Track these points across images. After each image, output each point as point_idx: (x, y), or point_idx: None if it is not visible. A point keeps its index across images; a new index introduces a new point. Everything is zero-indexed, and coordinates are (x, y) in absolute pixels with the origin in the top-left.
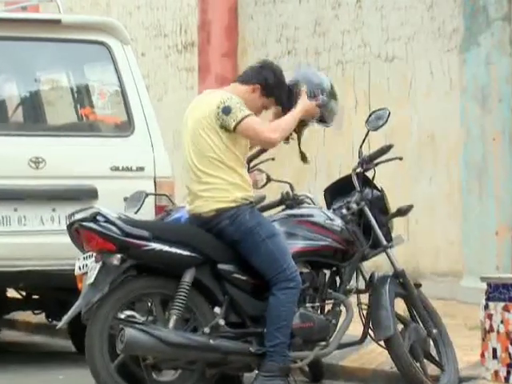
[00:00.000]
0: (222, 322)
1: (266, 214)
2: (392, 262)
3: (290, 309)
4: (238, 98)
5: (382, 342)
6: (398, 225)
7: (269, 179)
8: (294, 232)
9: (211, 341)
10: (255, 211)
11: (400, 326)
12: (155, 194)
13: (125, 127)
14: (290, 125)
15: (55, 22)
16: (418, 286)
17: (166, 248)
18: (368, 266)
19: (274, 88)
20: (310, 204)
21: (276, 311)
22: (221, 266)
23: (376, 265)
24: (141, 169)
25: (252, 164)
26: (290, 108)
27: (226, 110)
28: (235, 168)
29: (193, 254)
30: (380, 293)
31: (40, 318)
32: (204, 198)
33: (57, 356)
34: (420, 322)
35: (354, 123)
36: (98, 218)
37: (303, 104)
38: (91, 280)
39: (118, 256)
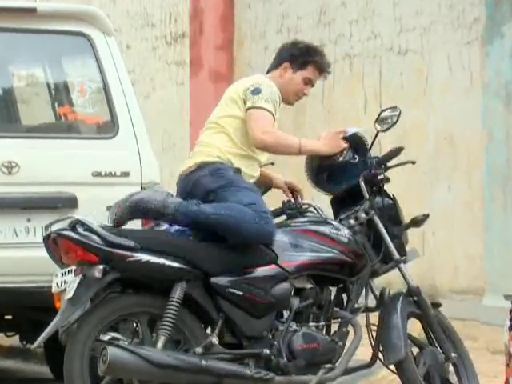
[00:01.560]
0: (215, 340)
1: None
2: (405, 278)
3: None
4: (277, 93)
5: (392, 367)
6: (412, 237)
7: (270, 186)
8: (297, 243)
9: (204, 362)
10: (239, 174)
11: (415, 350)
12: None
13: (108, 128)
14: (289, 144)
15: (30, 11)
16: (436, 305)
17: (153, 259)
18: (379, 282)
19: (303, 56)
20: (314, 213)
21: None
22: (214, 280)
23: (388, 281)
24: (126, 174)
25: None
26: (329, 70)
27: (256, 91)
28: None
29: (183, 266)
30: (391, 312)
31: (13, 340)
32: (193, 155)
33: (32, 383)
34: (437, 346)
35: (364, 124)
36: (78, 226)
37: (322, 139)
38: (70, 295)
39: (100, 267)
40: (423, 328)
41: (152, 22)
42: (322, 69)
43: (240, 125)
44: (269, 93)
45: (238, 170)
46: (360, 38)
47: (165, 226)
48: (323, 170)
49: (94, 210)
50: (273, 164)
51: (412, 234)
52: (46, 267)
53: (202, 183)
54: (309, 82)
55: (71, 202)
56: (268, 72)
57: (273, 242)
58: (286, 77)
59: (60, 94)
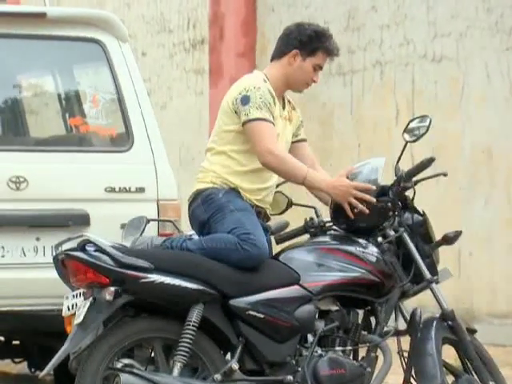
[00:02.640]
0: (235, 367)
1: (288, 243)
2: (439, 301)
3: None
4: (268, 92)
5: None
6: (447, 257)
7: (291, 204)
8: (322, 262)
9: None
10: (232, 192)
11: (450, 378)
12: (158, 220)
13: (122, 140)
14: (293, 173)
15: (40, 16)
16: (472, 331)
17: (168, 280)
18: (409, 304)
19: (313, 42)
20: (338, 231)
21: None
22: (233, 302)
23: (419, 304)
24: (141, 190)
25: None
26: (338, 53)
27: (244, 101)
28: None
29: (200, 288)
30: (425, 337)
31: (21, 367)
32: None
33: None
34: (474, 374)
35: (395, 136)
36: (88, 246)
37: (335, 180)
38: (80, 319)
39: (112, 289)
40: (458, 355)
41: (169, 27)
42: (332, 54)
43: (236, 138)
44: (258, 97)
45: (233, 190)
46: (391, 44)
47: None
48: (339, 208)
49: (108, 228)
50: None
51: (447, 253)
52: (56, 289)
53: (195, 215)
54: (318, 69)
55: (83, 220)
56: (272, 59)
57: (262, 261)
58: (295, 65)
59: (71, 104)
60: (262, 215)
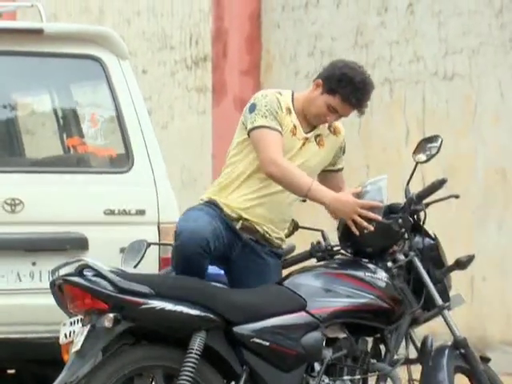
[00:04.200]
0: None
1: (294, 267)
2: (451, 328)
3: None
4: (275, 101)
5: None
6: (460, 282)
7: (297, 226)
8: (329, 288)
9: None
10: (205, 209)
11: None
12: (159, 244)
13: (121, 161)
14: (296, 185)
15: (36, 33)
16: (486, 360)
17: (169, 306)
18: (420, 332)
19: (334, 82)
20: (346, 255)
21: None
22: (237, 329)
23: (430, 331)
24: (141, 212)
25: None
26: (361, 108)
27: (251, 109)
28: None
29: (203, 314)
30: (436, 367)
31: None
32: None
33: None
34: None
35: (404, 157)
36: (86, 271)
37: (341, 195)
38: (78, 347)
39: (111, 316)
40: None
41: (170, 43)
42: (350, 103)
43: (243, 149)
44: (264, 105)
45: (207, 203)
46: (401, 61)
47: None
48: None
49: (106, 252)
50: (304, 201)
51: (460, 278)
52: (52, 316)
53: None
54: (334, 111)
55: (81, 244)
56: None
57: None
58: (313, 94)
59: (69, 123)
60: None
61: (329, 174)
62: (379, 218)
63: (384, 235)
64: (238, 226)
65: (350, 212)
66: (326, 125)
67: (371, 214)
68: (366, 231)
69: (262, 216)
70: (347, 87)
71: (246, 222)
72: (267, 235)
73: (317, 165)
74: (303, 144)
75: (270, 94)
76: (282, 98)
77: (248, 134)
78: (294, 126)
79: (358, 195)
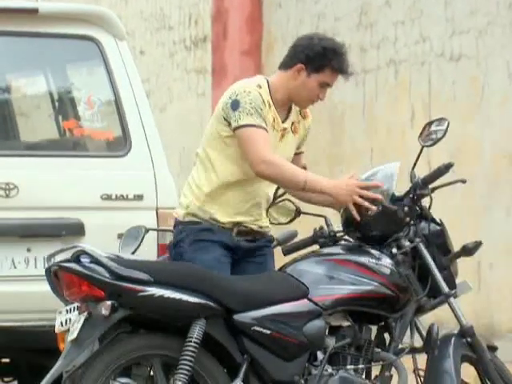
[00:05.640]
0: None
1: (297, 254)
2: (457, 316)
3: None
4: (259, 97)
5: None
6: (466, 269)
7: (299, 212)
8: (332, 275)
9: None
10: (198, 243)
11: None
12: (157, 230)
13: (119, 145)
14: (291, 180)
15: (31, 12)
16: (493, 348)
17: (167, 294)
18: (426, 320)
19: (320, 59)
20: (350, 241)
21: None
22: (238, 317)
23: (436, 319)
24: (139, 197)
25: (280, 193)
26: (349, 73)
27: (234, 106)
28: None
29: (202, 302)
30: (442, 355)
31: None
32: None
33: None
34: None
35: (410, 140)
36: (82, 258)
37: (339, 180)
38: (74, 335)
39: (108, 303)
40: (478, 374)
41: (169, 24)
42: (341, 72)
43: (224, 146)
44: (248, 102)
45: (210, 222)
46: (406, 41)
47: None
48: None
49: (103, 238)
50: None
51: (466, 265)
52: (48, 303)
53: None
54: (325, 86)
55: (77, 229)
56: (279, 68)
57: None
58: (298, 80)
59: (64, 106)
60: (246, 234)
61: (294, 157)
62: (379, 196)
63: (389, 221)
64: (234, 232)
65: (352, 193)
66: (298, 110)
67: (372, 194)
68: (371, 214)
69: (256, 213)
70: (334, 58)
71: (241, 225)
72: (261, 229)
73: (292, 152)
74: (282, 136)
75: (252, 89)
76: (262, 92)
77: (233, 131)
78: (274, 119)
79: (364, 181)
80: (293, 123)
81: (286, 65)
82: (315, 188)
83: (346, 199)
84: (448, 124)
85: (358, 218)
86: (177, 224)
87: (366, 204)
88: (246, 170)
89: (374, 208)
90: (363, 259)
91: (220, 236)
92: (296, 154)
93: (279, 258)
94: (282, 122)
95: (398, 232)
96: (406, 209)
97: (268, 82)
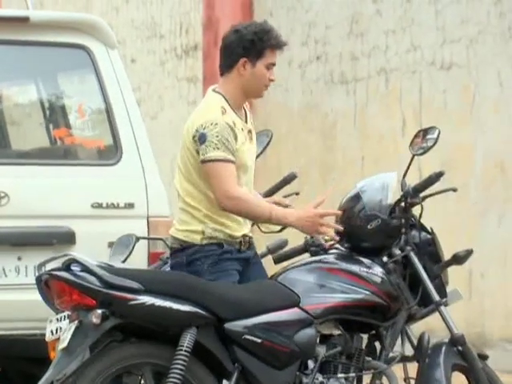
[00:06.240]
0: None
1: (287, 262)
2: (448, 325)
3: None
4: (225, 128)
5: None
6: (457, 278)
7: None
8: (323, 283)
9: None
10: (220, 264)
11: None
12: (148, 238)
13: (110, 153)
14: (256, 215)
15: (22, 20)
16: (484, 357)
17: (158, 302)
18: (417, 328)
19: (257, 44)
20: (340, 250)
21: None
22: (229, 326)
23: (427, 328)
24: (130, 206)
25: (273, 199)
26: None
27: (202, 139)
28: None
29: (193, 310)
30: (433, 364)
31: None
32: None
33: None
34: None
35: (401, 149)
36: (73, 266)
37: (302, 211)
38: (64, 344)
39: (99, 312)
40: (469, 382)
41: (160, 32)
42: (280, 46)
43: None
44: (215, 135)
45: (228, 241)
46: (397, 50)
47: None
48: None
49: (94, 247)
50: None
51: (457, 274)
52: (39, 312)
53: (173, 268)
54: (271, 67)
55: (68, 238)
56: (222, 74)
57: None
58: (246, 74)
59: (56, 114)
60: (245, 245)
61: None
62: (340, 228)
63: (387, 234)
64: (244, 247)
65: (315, 224)
66: (245, 105)
67: (333, 225)
68: (370, 227)
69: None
70: (268, 38)
71: (247, 236)
72: (252, 238)
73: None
74: (250, 138)
75: (218, 119)
76: (227, 116)
77: (201, 163)
78: (242, 129)
79: (361, 190)
80: (252, 121)
81: (227, 67)
82: (281, 222)
83: (310, 230)
84: (439, 133)
85: (336, 239)
86: (191, 246)
87: (331, 234)
88: None
89: (340, 228)
90: (354, 268)
91: (236, 253)
92: None
93: (270, 267)
94: (245, 122)
95: (393, 243)
96: (402, 221)
97: (224, 96)
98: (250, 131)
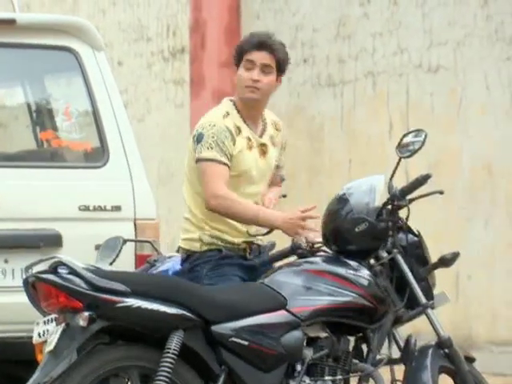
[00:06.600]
0: None
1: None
2: (435, 327)
3: None
4: (223, 130)
5: None
6: (444, 280)
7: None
8: (310, 286)
9: None
10: (219, 269)
11: None
12: (135, 241)
13: (97, 155)
14: (242, 216)
15: (9, 23)
16: (470, 359)
17: (145, 305)
18: (404, 331)
19: (237, 51)
20: (327, 252)
21: None
22: (216, 329)
23: (414, 331)
24: (117, 208)
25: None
26: None
27: (199, 139)
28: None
29: (180, 313)
30: (420, 367)
31: None
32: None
33: None
34: None
35: (388, 152)
36: (60, 269)
37: (287, 214)
38: (51, 347)
39: (86, 314)
40: None
41: (147, 35)
42: (253, 47)
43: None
44: (211, 136)
45: (227, 247)
46: (384, 53)
47: (160, 268)
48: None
49: (81, 249)
50: (285, 196)
51: (444, 276)
52: (26, 314)
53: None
54: (249, 66)
55: (55, 241)
56: None
57: None
58: (236, 79)
59: (42, 117)
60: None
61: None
62: (317, 229)
63: (374, 237)
64: (250, 255)
65: (296, 226)
66: (272, 123)
67: (311, 227)
68: (357, 230)
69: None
70: (245, 42)
71: (253, 243)
72: (261, 246)
73: (273, 165)
74: (263, 152)
75: (218, 121)
76: (229, 120)
77: (196, 162)
78: (249, 139)
79: (348, 192)
80: (271, 137)
81: None
82: (267, 224)
83: (290, 232)
84: (425, 135)
85: (316, 240)
86: (192, 254)
87: (310, 236)
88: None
89: (316, 229)
90: (341, 270)
91: (238, 260)
92: (278, 167)
93: None
94: (260, 137)
95: (380, 246)
96: (390, 224)
97: (235, 103)
98: (263, 144)
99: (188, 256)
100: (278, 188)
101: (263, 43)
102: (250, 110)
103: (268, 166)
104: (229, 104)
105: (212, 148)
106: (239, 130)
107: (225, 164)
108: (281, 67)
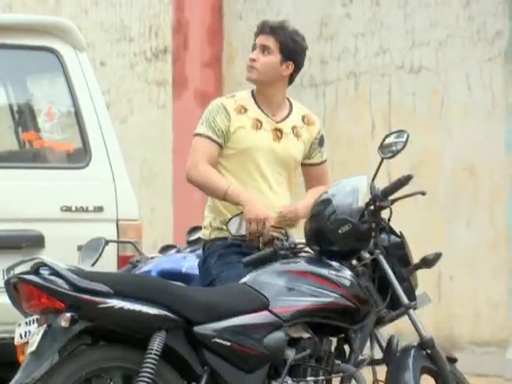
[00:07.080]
0: None
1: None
2: (417, 328)
3: None
4: (216, 108)
5: None
6: (426, 281)
7: None
8: (292, 286)
9: None
10: (225, 258)
11: None
12: (118, 242)
13: (79, 156)
14: (214, 188)
15: None
16: (453, 360)
17: (127, 305)
18: (386, 332)
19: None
20: (310, 253)
21: None
22: (198, 329)
23: (396, 331)
24: (99, 209)
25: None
26: None
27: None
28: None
29: (162, 313)
30: (401, 367)
31: None
32: None
33: None
34: None
35: (370, 152)
36: (42, 270)
37: (259, 202)
38: (33, 348)
39: (68, 315)
40: None
41: (129, 35)
42: (259, 32)
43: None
44: (206, 113)
45: (226, 247)
46: (366, 53)
47: (143, 269)
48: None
49: (63, 250)
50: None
51: (426, 277)
52: (8, 315)
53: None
54: (254, 48)
55: (37, 241)
56: None
57: None
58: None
59: (24, 117)
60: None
61: (306, 168)
62: (267, 236)
63: (357, 238)
64: (262, 244)
65: (258, 221)
66: (300, 116)
67: (270, 229)
68: (341, 231)
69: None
70: (256, 29)
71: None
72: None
73: (294, 157)
74: (278, 137)
75: (217, 100)
76: (231, 100)
77: None
78: (257, 120)
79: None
80: (295, 127)
81: None
82: (234, 200)
83: (247, 216)
84: (408, 136)
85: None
86: (205, 243)
87: (267, 235)
88: (242, 179)
89: (270, 230)
90: (323, 271)
91: (246, 249)
92: (311, 164)
93: None
94: (277, 122)
95: (363, 247)
96: (373, 225)
97: (253, 90)
98: (278, 129)
99: (203, 246)
100: (318, 189)
101: (264, 25)
102: (259, 93)
103: (286, 153)
104: (248, 90)
105: (202, 124)
106: (244, 109)
107: (212, 140)
108: (284, 50)
